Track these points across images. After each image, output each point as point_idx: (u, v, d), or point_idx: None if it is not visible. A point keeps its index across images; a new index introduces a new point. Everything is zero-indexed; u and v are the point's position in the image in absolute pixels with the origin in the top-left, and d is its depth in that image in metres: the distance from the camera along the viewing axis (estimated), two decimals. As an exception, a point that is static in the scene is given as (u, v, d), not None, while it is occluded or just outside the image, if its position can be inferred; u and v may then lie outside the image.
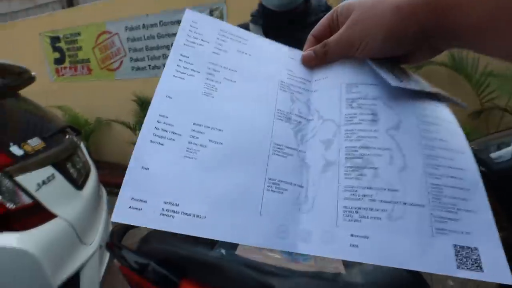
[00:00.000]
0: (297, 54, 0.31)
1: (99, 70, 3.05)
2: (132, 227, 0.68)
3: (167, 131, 0.24)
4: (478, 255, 0.20)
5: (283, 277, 0.45)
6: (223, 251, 0.51)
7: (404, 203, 0.22)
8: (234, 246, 0.53)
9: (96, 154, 2.98)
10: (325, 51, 0.28)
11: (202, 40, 0.29)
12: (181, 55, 0.27)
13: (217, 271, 0.49)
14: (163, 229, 0.21)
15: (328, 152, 0.25)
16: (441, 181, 0.23)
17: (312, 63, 0.30)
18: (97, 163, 1.51)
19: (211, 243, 0.54)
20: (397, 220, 0.22)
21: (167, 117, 0.24)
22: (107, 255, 1.22)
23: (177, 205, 0.21)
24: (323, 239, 0.22)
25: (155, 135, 0.23)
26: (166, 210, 0.21)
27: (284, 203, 0.24)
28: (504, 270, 0.20)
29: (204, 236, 0.21)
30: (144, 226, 0.21)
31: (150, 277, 0.51)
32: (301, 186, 0.25)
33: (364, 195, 0.23)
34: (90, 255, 0.99)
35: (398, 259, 0.21)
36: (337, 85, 0.27)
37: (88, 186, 1.16)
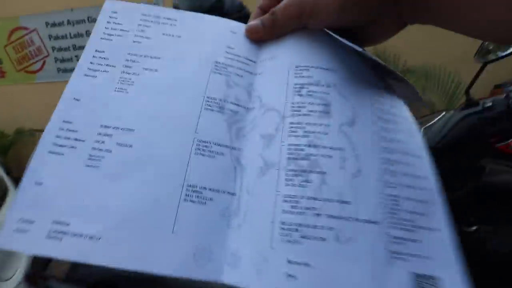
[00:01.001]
0: (241, 27, 0.26)
1: (15, 73, 2.62)
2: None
3: (69, 138, 0.20)
4: (443, 286, 0.17)
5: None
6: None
7: (356, 219, 0.18)
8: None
9: (18, 170, 2.56)
10: (273, 19, 0.24)
11: (121, 30, 0.25)
12: (96, 50, 0.24)
13: (153, 285, 0.46)
14: (49, 255, 0.17)
15: (267, 150, 0.21)
16: (397, 190, 0.19)
17: (259, 36, 0.25)
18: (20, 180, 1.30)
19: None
20: (347, 242, 0.18)
21: (71, 123, 0.20)
22: None
23: (67, 224, 0.18)
24: (254, 266, 0.18)
25: (55, 144, 0.20)
26: (54, 231, 0.17)
27: (206, 217, 0.19)
28: None
29: (97, 263, 0.17)
30: (29, 252, 0.18)
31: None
32: (233, 194, 0.20)
33: (307, 208, 0.18)
34: (10, 290, 0.85)
35: None
36: (285, 67, 0.23)
37: (4, 211, 0.99)
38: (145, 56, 0.24)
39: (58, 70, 2.52)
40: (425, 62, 1.78)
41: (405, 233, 0.18)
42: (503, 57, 0.66)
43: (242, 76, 0.24)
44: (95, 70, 0.23)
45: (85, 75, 0.23)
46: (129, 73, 0.23)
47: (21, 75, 2.60)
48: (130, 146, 0.20)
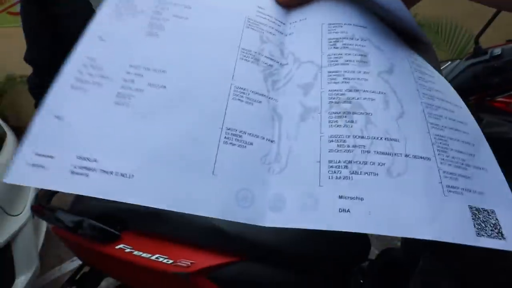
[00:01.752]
0: None
1: (-3, 14, 2.44)
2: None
3: (93, 75, 0.19)
4: (496, 219, 0.17)
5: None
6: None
7: (407, 155, 0.18)
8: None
9: (15, 119, 2.55)
10: None
11: None
12: None
13: (159, 218, 0.49)
14: (74, 192, 0.16)
15: (307, 98, 0.21)
16: (444, 132, 0.19)
17: (289, 2, 0.25)
18: (18, 129, 1.29)
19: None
20: (399, 176, 0.18)
21: (95, 60, 0.20)
22: (44, 224, 1.13)
23: (95, 160, 0.17)
24: (302, 205, 0.18)
25: (78, 79, 0.19)
26: (79, 167, 0.17)
27: (247, 161, 0.19)
28: None
29: (130, 201, 0.17)
30: (48, 188, 0.16)
31: (87, 234, 0.49)
32: (272, 141, 0.20)
33: (355, 146, 0.18)
34: (20, 226, 0.91)
35: (403, 226, 0.17)
36: (317, 25, 0.23)
37: (4, 154, 1.01)
38: (175, 4, 0.23)
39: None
40: (436, 17, 1.68)
41: (457, 169, 0.18)
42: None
43: (274, 34, 0.24)
44: (121, 14, 0.22)
45: (111, 17, 0.22)
46: (158, 19, 0.22)
47: (4, 17, 2.41)
48: (164, 87, 0.20)
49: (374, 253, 0.75)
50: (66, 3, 0.66)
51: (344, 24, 0.23)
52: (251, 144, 0.19)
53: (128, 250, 0.48)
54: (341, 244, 0.52)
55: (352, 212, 0.17)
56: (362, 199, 0.17)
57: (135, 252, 0.47)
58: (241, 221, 0.17)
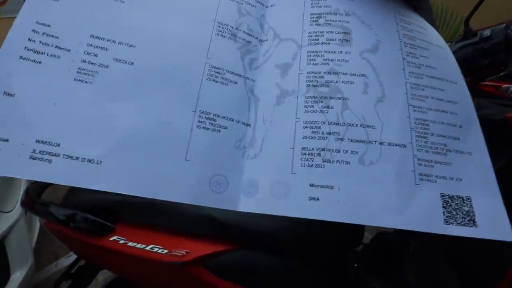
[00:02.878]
0: None
1: (-23, 6, 2.34)
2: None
3: (48, 45, 0.17)
4: (471, 206, 0.16)
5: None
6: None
7: (381, 143, 0.18)
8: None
9: None
10: None
11: None
12: None
13: (153, 209, 0.49)
14: (33, 178, 0.15)
15: (284, 79, 0.20)
16: (427, 115, 0.19)
17: None
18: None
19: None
20: (371, 165, 0.18)
21: (49, 26, 0.17)
22: (38, 219, 1.12)
23: (58, 145, 0.16)
24: (274, 192, 0.18)
25: (28, 49, 0.17)
26: (40, 151, 0.15)
27: (221, 145, 0.18)
28: (503, 224, 0.16)
29: (98, 188, 0.16)
30: (4, 174, 0.15)
31: (80, 227, 0.49)
32: (247, 124, 0.19)
33: (329, 133, 0.18)
34: (12, 222, 0.90)
35: (371, 215, 0.16)
36: None
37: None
38: None
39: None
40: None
41: (435, 156, 0.18)
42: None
43: (254, 6, 0.22)
44: None
45: None
46: None
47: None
48: (131, 63, 0.18)
49: (368, 238, 0.77)
50: None
51: None
52: (226, 128, 0.19)
53: (122, 241, 0.47)
54: (336, 229, 0.52)
55: (322, 200, 0.17)
56: (332, 187, 0.17)
57: (130, 243, 0.47)
58: (212, 206, 0.17)
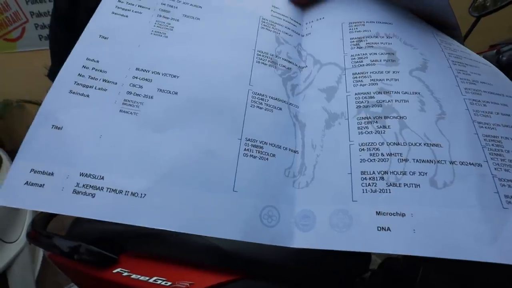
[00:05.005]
0: None
1: (-6, 41, 2.48)
2: (57, 213, 0.62)
3: (96, 79, 0.17)
4: None
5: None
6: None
7: (452, 162, 0.16)
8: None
9: (10, 143, 2.54)
10: None
11: None
12: None
13: (155, 240, 0.49)
14: (77, 215, 0.15)
15: (331, 103, 0.19)
16: (497, 132, 0.17)
17: (302, 3, 0.23)
18: (14, 153, 1.29)
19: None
20: (446, 186, 0.15)
21: (97, 62, 0.18)
22: (41, 250, 1.11)
23: (101, 177, 0.15)
24: (334, 223, 0.16)
25: (78, 83, 0.17)
26: (83, 185, 0.15)
27: (270, 174, 0.17)
28: None
29: (142, 225, 0.15)
30: (47, 210, 0.14)
31: (84, 259, 0.48)
32: (295, 151, 0.18)
33: (390, 154, 0.16)
34: (16, 253, 0.89)
35: (457, 246, 0.14)
36: (336, 24, 0.22)
37: (1, 179, 1.00)
38: (184, 3, 0.22)
39: (40, 37, 2.39)
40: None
41: None
42: (495, 10, 0.64)
43: (291, 35, 0.22)
44: (125, 9, 0.20)
45: (113, 13, 0.19)
46: (167, 18, 0.21)
47: (1, 43, 2.46)
48: (175, 93, 0.18)
49: (376, 262, 0.74)
50: None
51: (367, 22, 0.21)
52: (273, 155, 0.18)
53: (125, 274, 0.47)
54: (342, 256, 0.52)
55: (393, 230, 0.14)
56: (403, 215, 0.15)
57: (133, 276, 0.47)
58: (267, 243, 0.15)
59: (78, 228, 0.54)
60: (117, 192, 0.15)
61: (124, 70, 0.18)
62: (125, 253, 0.50)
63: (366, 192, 0.16)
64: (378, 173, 0.16)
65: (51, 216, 0.59)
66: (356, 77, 0.19)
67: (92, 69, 0.17)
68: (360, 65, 0.19)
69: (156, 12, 0.21)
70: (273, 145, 0.18)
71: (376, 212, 0.15)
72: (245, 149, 0.17)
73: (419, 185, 0.15)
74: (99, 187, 0.15)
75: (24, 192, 0.14)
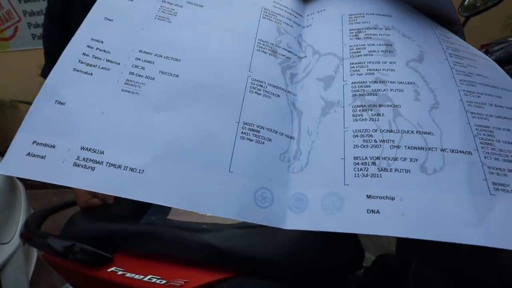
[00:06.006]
0: None
1: (-14, 40, 2.44)
2: (51, 213, 0.62)
3: (100, 58, 0.18)
4: None
5: (216, 232, 0.48)
6: (153, 217, 0.51)
7: (443, 150, 0.16)
8: (165, 210, 0.52)
9: (3, 144, 2.51)
10: None
11: None
12: None
13: (150, 238, 0.49)
14: (75, 186, 0.15)
15: (328, 91, 0.20)
16: (489, 122, 0.17)
17: None
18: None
19: (139, 214, 0.52)
20: (435, 173, 0.16)
21: (102, 42, 0.18)
22: (35, 250, 1.10)
23: (101, 152, 0.15)
24: (325, 206, 0.16)
25: (82, 62, 0.17)
26: (84, 158, 0.15)
27: (266, 157, 0.18)
28: None
29: (139, 199, 0.15)
30: (47, 181, 0.15)
31: (78, 258, 0.48)
32: (291, 137, 0.19)
33: (382, 141, 0.17)
34: (10, 254, 0.88)
35: (444, 229, 0.14)
36: (336, 16, 0.22)
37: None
38: None
39: (33, 36, 2.36)
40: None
41: (507, 164, 0.16)
42: (485, 9, 0.65)
43: (291, 26, 0.23)
44: None
45: None
46: (171, 3, 0.21)
47: (-7, 43, 2.42)
48: (176, 76, 0.19)
49: (371, 259, 0.75)
50: None
51: (366, 14, 0.21)
52: (269, 140, 0.18)
53: (120, 272, 0.47)
54: (335, 253, 0.52)
55: (383, 213, 0.15)
56: (393, 198, 0.15)
57: (128, 274, 0.47)
58: (259, 222, 0.16)
59: (72, 228, 0.54)
60: (116, 167, 0.15)
61: (127, 51, 0.18)
62: (120, 252, 0.50)
63: (358, 176, 0.16)
64: (370, 159, 0.17)
65: (44, 217, 0.59)
66: (353, 67, 0.19)
67: (96, 49, 0.18)
68: (358, 55, 0.20)
69: None
70: (269, 130, 0.18)
71: (367, 195, 0.16)
72: (242, 132, 0.18)
73: (409, 171, 0.16)
74: (99, 161, 0.15)
75: (26, 163, 0.15)
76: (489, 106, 0.18)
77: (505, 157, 0.16)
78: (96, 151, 0.15)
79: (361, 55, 0.20)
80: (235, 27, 0.21)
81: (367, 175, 0.16)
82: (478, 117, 0.17)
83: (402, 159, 0.16)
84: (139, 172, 0.15)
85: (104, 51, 0.18)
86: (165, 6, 0.20)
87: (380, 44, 0.20)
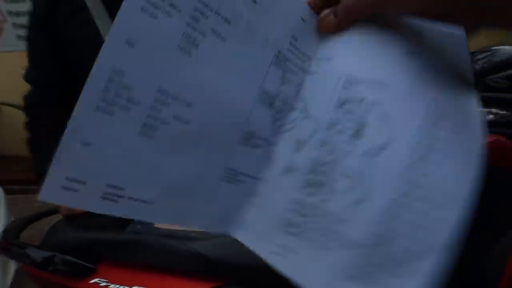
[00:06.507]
0: (311, 16, 0.23)
1: (-32, 41, 2.37)
2: (32, 221, 0.59)
3: (121, 97, 0.17)
4: None
5: (205, 240, 0.46)
6: (139, 226, 0.50)
7: (344, 238, 0.20)
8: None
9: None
10: (346, 10, 0.21)
11: None
12: None
13: (136, 247, 0.47)
14: (101, 212, 0.18)
15: (297, 155, 0.22)
16: (399, 226, 0.19)
17: (330, 29, 0.23)
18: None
19: (125, 222, 0.51)
20: (328, 250, 0.20)
21: (123, 75, 0.17)
22: (13, 261, 1.06)
23: (123, 189, 0.18)
24: (258, 237, 0.23)
25: (104, 100, 0.17)
26: (109, 193, 0.18)
27: (236, 194, 0.23)
28: None
29: (151, 221, 0.19)
30: (79, 208, 0.19)
31: (59, 270, 0.46)
32: (258, 179, 0.23)
33: (310, 215, 0.21)
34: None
35: (314, 282, 0.21)
36: (336, 76, 0.22)
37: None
38: (216, 13, 0.19)
39: (19, 37, 2.30)
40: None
41: (389, 264, 0.19)
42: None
43: (296, 73, 0.23)
44: (155, 7, 0.17)
45: (142, 9, 0.17)
46: (195, 30, 0.18)
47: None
48: (187, 123, 0.19)
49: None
50: (73, 28, 0.64)
51: (362, 81, 0.21)
52: (244, 182, 0.23)
53: (103, 284, 0.45)
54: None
55: (281, 256, 0.22)
56: (296, 252, 0.21)
57: (111, 286, 0.45)
58: (219, 233, 0.23)
59: (54, 237, 0.52)
60: (133, 200, 0.19)
61: (147, 89, 0.18)
62: (104, 262, 0.48)
63: (280, 230, 0.22)
64: (296, 223, 0.21)
65: (25, 225, 0.56)
66: (323, 141, 0.21)
67: (118, 83, 0.17)
68: (331, 130, 0.21)
69: (186, 18, 0.18)
70: (245, 175, 0.23)
71: (278, 244, 0.22)
72: (224, 176, 0.22)
73: (315, 241, 0.21)
74: (121, 195, 0.19)
75: (62, 194, 0.17)
76: (412, 212, 0.20)
77: (391, 258, 0.20)
78: (118, 188, 0.18)
79: (333, 130, 0.21)
80: (249, 72, 0.21)
81: (289, 233, 0.22)
82: (395, 220, 0.20)
83: (318, 231, 0.21)
84: (149, 203, 0.20)
85: (126, 87, 0.17)
86: (189, 33, 0.18)
87: (354, 123, 0.21)
